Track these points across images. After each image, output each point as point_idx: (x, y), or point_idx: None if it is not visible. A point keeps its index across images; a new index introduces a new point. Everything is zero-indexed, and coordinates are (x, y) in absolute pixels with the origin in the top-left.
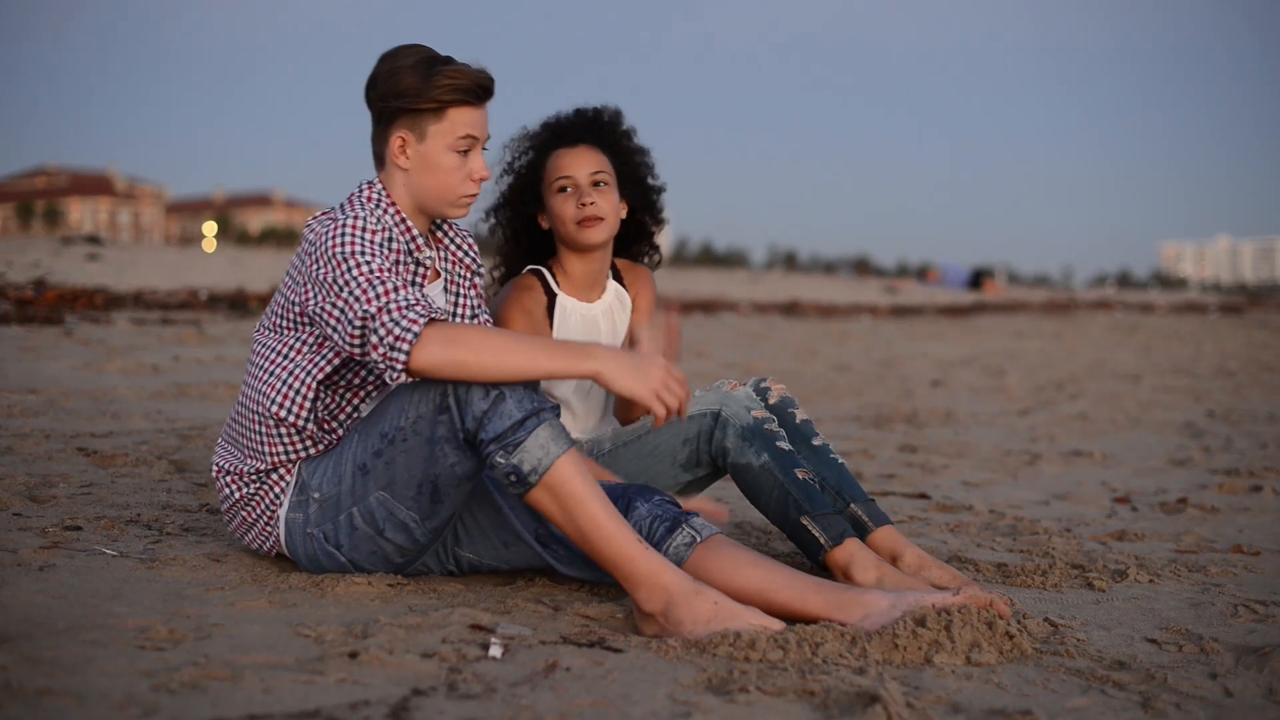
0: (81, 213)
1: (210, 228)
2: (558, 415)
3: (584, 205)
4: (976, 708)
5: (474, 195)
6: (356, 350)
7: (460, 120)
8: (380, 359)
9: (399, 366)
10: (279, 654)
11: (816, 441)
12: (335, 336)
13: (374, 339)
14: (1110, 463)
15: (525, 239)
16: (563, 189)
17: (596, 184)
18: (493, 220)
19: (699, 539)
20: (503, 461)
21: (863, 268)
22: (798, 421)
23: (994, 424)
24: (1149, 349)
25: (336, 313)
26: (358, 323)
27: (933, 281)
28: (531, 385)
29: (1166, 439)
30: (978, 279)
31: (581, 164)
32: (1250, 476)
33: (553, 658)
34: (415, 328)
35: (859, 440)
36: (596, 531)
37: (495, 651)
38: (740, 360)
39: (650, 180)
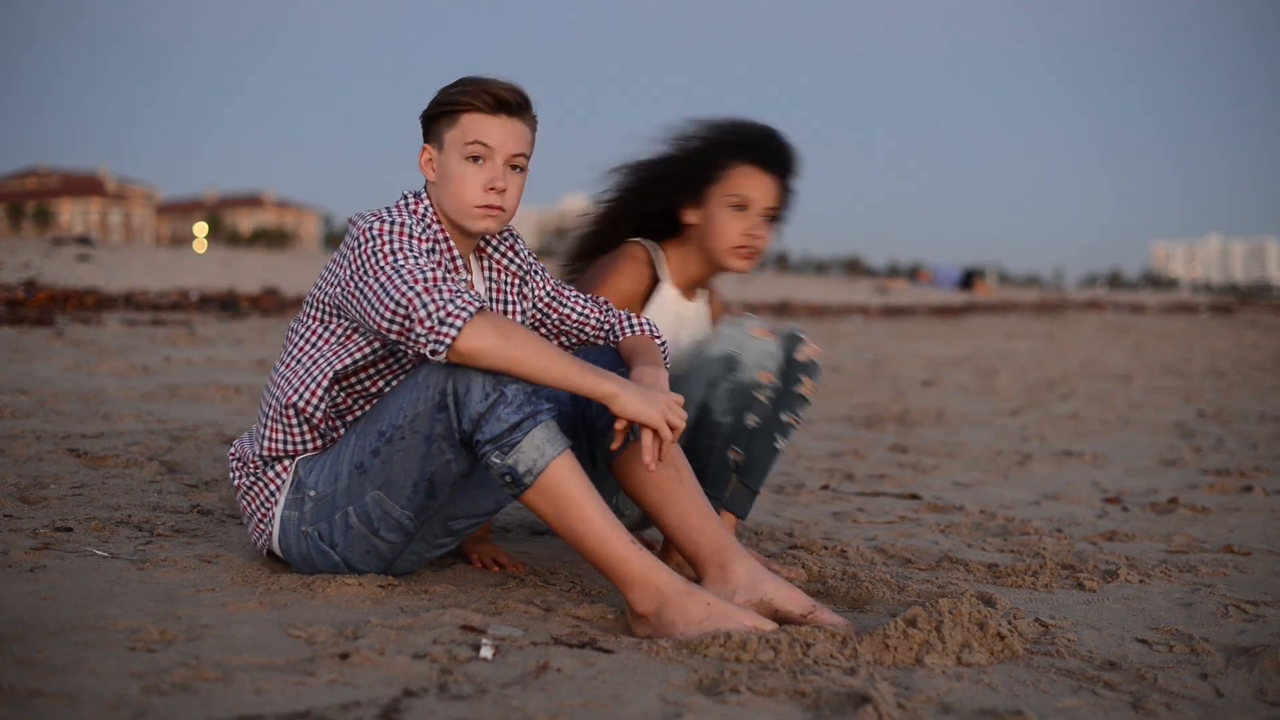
0: (72, 213)
1: (201, 228)
2: (554, 416)
3: (755, 236)
4: (967, 708)
5: (493, 207)
6: (388, 327)
7: (471, 127)
8: (425, 333)
9: (446, 341)
10: (270, 655)
11: (785, 416)
12: (371, 314)
13: (421, 313)
14: (1101, 463)
15: (647, 209)
16: (739, 207)
17: (769, 219)
18: (622, 175)
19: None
20: (498, 462)
21: (854, 268)
22: (792, 390)
23: (985, 424)
24: (1140, 349)
25: (376, 287)
26: (399, 299)
27: (924, 282)
28: (530, 388)
29: (1157, 439)
30: (969, 279)
31: (770, 197)
32: (1241, 476)
33: (544, 659)
34: (469, 308)
35: (850, 440)
36: (590, 534)
37: (486, 652)
38: None
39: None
